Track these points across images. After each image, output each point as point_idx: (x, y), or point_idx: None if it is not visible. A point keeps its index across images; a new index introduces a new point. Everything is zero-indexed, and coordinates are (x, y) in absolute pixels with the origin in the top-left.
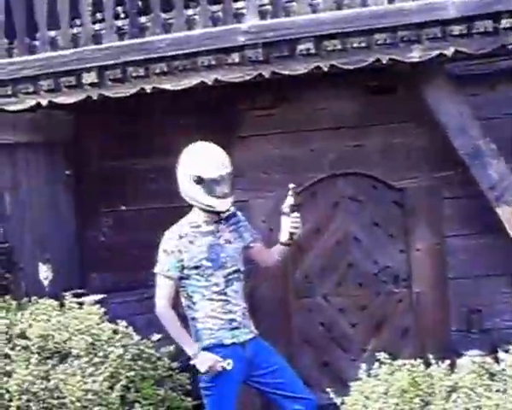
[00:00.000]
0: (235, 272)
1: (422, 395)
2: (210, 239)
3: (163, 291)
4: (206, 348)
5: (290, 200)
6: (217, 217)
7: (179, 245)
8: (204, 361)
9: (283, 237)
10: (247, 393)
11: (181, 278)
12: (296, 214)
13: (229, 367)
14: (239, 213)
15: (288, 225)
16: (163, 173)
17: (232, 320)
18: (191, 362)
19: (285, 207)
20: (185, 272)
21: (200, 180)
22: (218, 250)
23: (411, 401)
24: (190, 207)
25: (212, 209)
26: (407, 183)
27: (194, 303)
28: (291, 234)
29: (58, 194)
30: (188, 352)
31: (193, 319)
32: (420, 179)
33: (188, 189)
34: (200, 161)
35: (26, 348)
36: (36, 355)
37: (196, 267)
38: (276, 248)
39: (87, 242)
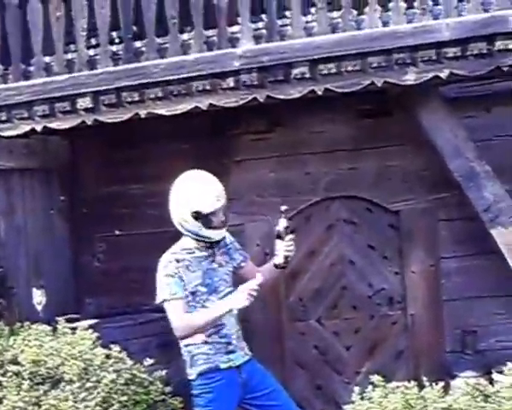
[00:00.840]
0: (228, 294)
1: None
2: (204, 264)
3: (177, 314)
4: (202, 373)
5: (283, 222)
6: (208, 243)
7: (179, 268)
8: (240, 297)
9: (278, 259)
10: None
11: None
12: (291, 236)
13: (259, 281)
14: (227, 235)
15: (283, 248)
16: (158, 198)
17: (228, 344)
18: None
19: (279, 230)
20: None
21: (198, 216)
22: (212, 275)
23: None
24: None
25: (207, 240)
26: (402, 205)
27: None
28: (286, 257)
29: (53, 219)
30: (229, 309)
31: (188, 344)
32: (415, 202)
33: (184, 222)
34: (197, 197)
35: (17, 374)
36: (27, 381)
37: (193, 293)
38: (266, 268)
39: (82, 267)
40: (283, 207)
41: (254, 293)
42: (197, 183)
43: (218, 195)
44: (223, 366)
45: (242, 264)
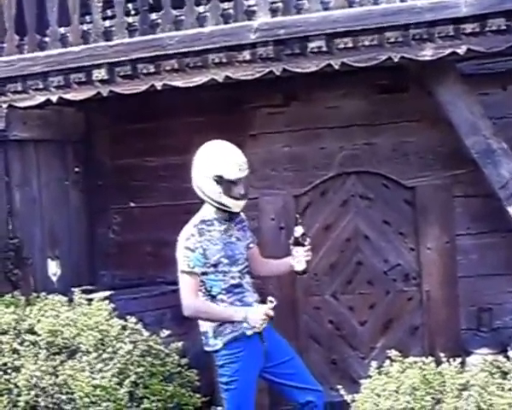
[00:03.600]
0: (245, 267)
1: (433, 393)
2: (224, 237)
3: (190, 288)
4: (228, 343)
5: (300, 229)
6: (227, 215)
7: (202, 242)
8: (257, 318)
9: (300, 266)
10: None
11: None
12: (308, 241)
13: (273, 304)
14: (242, 213)
15: (304, 254)
16: (173, 171)
17: None
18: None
19: (298, 237)
20: (204, 269)
21: (220, 180)
22: (233, 247)
23: (422, 398)
24: (199, 204)
25: (225, 209)
26: (418, 181)
27: (213, 297)
28: (307, 262)
29: (68, 190)
30: (238, 319)
31: None
32: (431, 178)
33: (205, 186)
34: (222, 162)
35: (34, 343)
36: (44, 351)
37: (215, 265)
38: (274, 265)
39: (97, 238)
40: (297, 215)
41: (267, 318)
42: (223, 150)
43: (241, 165)
44: (248, 332)
45: (251, 245)
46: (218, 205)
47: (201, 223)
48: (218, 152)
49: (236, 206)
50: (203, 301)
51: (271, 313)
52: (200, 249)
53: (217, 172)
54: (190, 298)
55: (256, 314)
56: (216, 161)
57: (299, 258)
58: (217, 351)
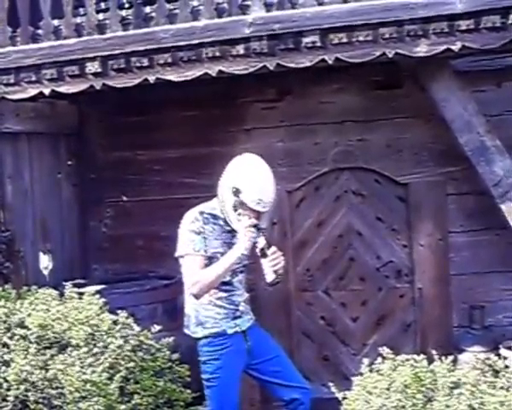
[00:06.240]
0: (243, 267)
1: (425, 391)
2: (227, 236)
3: (195, 270)
4: (209, 337)
5: (263, 240)
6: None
7: (204, 229)
8: (243, 240)
9: (269, 277)
10: (246, 386)
11: None
12: (273, 250)
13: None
14: None
15: (270, 264)
16: (166, 165)
17: (236, 310)
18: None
19: (261, 249)
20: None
21: (235, 194)
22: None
23: (414, 396)
24: (192, 198)
25: (227, 222)
26: (411, 178)
27: None
28: (275, 272)
29: (60, 184)
30: (237, 255)
31: (196, 304)
32: (424, 175)
33: (224, 194)
34: (247, 183)
35: (24, 337)
36: (34, 345)
37: (210, 258)
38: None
39: (89, 232)
40: (261, 225)
41: (252, 232)
42: (259, 174)
43: (262, 200)
44: (230, 331)
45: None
46: (223, 212)
47: (208, 214)
48: (252, 171)
49: (237, 228)
50: (201, 272)
51: (250, 224)
52: (202, 234)
53: (237, 185)
54: (194, 277)
55: (240, 238)
56: (241, 177)
57: (266, 270)
58: (196, 339)
